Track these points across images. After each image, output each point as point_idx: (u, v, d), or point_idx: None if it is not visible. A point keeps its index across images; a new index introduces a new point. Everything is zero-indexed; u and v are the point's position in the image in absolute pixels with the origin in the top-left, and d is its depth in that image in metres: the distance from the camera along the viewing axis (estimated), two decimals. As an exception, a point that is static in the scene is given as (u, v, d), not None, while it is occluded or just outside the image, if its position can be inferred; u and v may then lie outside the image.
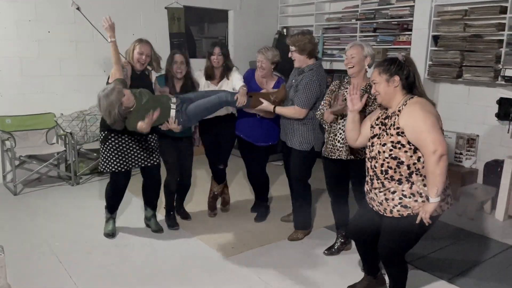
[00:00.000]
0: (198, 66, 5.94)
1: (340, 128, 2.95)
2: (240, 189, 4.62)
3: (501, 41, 4.21)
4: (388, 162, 2.22)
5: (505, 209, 4.02)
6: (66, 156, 4.92)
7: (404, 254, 2.39)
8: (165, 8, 5.62)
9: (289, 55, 3.31)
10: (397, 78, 2.21)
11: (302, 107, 3.21)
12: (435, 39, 4.72)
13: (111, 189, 3.42)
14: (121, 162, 3.24)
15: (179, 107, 3.08)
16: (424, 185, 2.17)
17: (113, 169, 3.25)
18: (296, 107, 3.23)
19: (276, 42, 6.39)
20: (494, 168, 4.35)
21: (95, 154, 4.95)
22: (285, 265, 3.11)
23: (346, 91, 2.91)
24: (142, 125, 2.86)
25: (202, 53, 7.88)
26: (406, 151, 2.17)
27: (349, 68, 2.90)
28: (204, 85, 3.60)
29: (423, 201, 2.17)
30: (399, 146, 2.18)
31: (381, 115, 2.34)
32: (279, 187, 4.75)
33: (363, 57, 2.87)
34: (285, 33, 6.58)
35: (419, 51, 4.84)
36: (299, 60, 3.28)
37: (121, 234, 3.55)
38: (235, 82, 3.53)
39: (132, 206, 4.11)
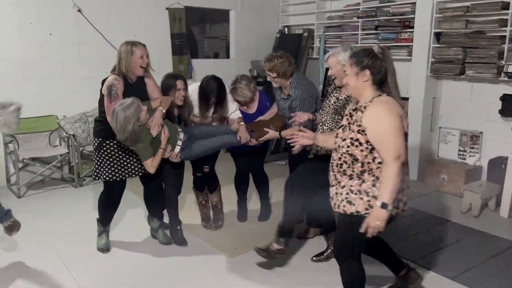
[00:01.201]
0: (200, 66, 6.01)
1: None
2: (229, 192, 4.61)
3: (503, 37, 4.18)
4: (345, 157, 2.15)
5: (510, 206, 3.99)
6: (69, 158, 4.93)
7: (352, 253, 2.26)
8: (166, 8, 5.63)
9: (268, 78, 3.28)
10: (367, 72, 2.09)
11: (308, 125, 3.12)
12: (437, 36, 4.70)
13: (105, 199, 3.24)
14: (116, 170, 3.08)
15: (184, 144, 3.05)
16: (373, 185, 2.08)
17: (107, 178, 3.08)
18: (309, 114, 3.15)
19: (278, 41, 6.39)
20: (498, 165, 4.33)
21: (98, 156, 4.96)
22: (289, 265, 3.11)
23: (331, 96, 2.93)
24: (148, 163, 2.88)
25: (204, 53, 7.90)
26: (362, 150, 2.08)
27: (333, 79, 2.90)
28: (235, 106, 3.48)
29: (368, 201, 2.09)
30: (357, 144, 2.09)
31: (352, 106, 2.24)
32: (280, 186, 4.73)
33: (340, 66, 2.72)
34: (286, 32, 6.58)
35: (421, 48, 4.82)
36: (280, 82, 3.27)
37: (124, 235, 3.55)
38: (230, 111, 3.48)
39: (135, 206, 4.11)
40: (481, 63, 4.33)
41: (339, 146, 2.18)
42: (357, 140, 2.09)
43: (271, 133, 3.18)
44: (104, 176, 3.09)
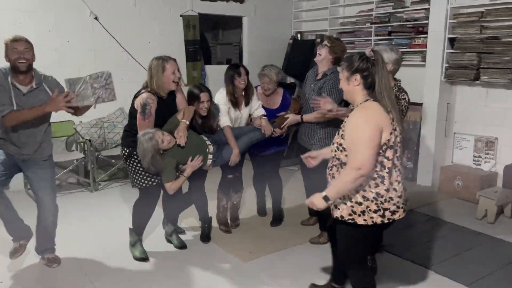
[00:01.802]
0: (213, 72, 6.06)
1: None
2: (254, 193, 4.63)
3: (519, 42, 4.16)
4: (334, 161, 2.18)
5: (526, 213, 3.95)
6: (85, 163, 5.01)
7: (355, 261, 2.27)
8: (181, 15, 5.70)
9: (317, 49, 3.33)
10: (358, 76, 2.07)
11: None
12: (451, 41, 4.69)
13: (143, 206, 3.23)
14: (150, 177, 3.12)
15: (215, 156, 3.19)
16: (357, 191, 2.08)
17: (145, 184, 3.12)
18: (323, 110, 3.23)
19: (290, 47, 6.42)
20: (514, 171, 4.29)
21: (113, 161, 5.03)
22: (302, 270, 3.11)
23: None
24: (168, 185, 3.04)
25: (217, 59, 7.97)
26: (346, 155, 2.09)
27: None
28: (224, 110, 3.47)
29: (351, 206, 2.10)
30: (341, 148, 2.11)
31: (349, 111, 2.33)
32: (294, 192, 4.75)
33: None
34: (299, 38, 6.60)
35: (435, 54, 4.81)
36: (324, 58, 3.27)
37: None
38: (254, 108, 3.56)
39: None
40: (496, 69, 4.30)
41: (331, 150, 2.23)
42: (340, 145, 2.11)
43: (292, 117, 3.33)
44: (141, 183, 3.14)
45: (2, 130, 2.86)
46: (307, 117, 3.33)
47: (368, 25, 5.63)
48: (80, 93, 2.72)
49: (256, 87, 3.69)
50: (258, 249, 3.43)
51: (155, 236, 3.64)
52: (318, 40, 6.43)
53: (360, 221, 2.10)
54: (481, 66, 4.42)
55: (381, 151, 2.04)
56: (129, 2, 5.27)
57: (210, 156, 3.19)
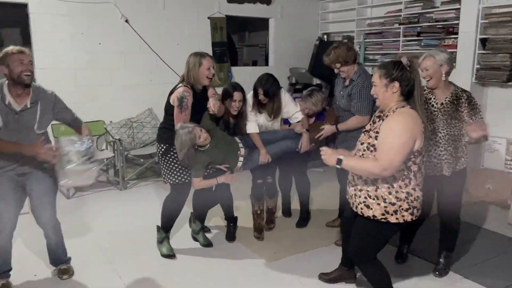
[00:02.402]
0: (239, 74, 6.12)
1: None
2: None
3: (554, 42, 4.03)
4: None
5: (561, 219, 3.82)
6: (115, 161, 5.14)
7: (369, 255, 2.38)
8: (208, 18, 5.78)
9: (335, 71, 3.31)
10: (397, 84, 2.17)
11: (363, 114, 3.22)
12: (483, 42, 4.58)
13: (173, 202, 3.30)
14: (184, 173, 3.20)
15: (246, 159, 3.26)
16: (389, 193, 2.20)
17: (177, 181, 3.20)
18: (357, 116, 3.24)
19: (317, 48, 6.40)
20: (548, 176, 4.15)
21: (141, 160, 5.15)
22: (326, 271, 3.10)
23: (427, 101, 2.88)
24: (196, 181, 3.13)
25: (243, 61, 8.03)
26: (375, 155, 2.17)
27: (427, 81, 2.86)
28: (251, 116, 3.47)
29: (385, 207, 2.22)
30: (372, 149, 2.20)
31: (377, 113, 2.34)
32: (320, 194, 4.74)
33: (438, 67, 2.80)
34: (325, 40, 6.59)
35: (466, 55, 4.70)
36: (347, 70, 3.26)
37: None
38: (291, 113, 3.56)
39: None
40: (530, 70, 4.18)
41: (358, 149, 2.31)
42: (373, 145, 2.19)
43: (327, 128, 3.35)
44: (174, 179, 3.21)
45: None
46: (342, 126, 3.33)
47: (396, 25, 5.56)
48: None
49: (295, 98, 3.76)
50: (283, 249, 3.44)
51: (181, 234, 3.71)
52: (317, 42, 6.41)
53: (392, 219, 2.22)
54: (514, 67, 4.31)
55: (412, 157, 2.16)
56: (158, 5, 5.39)
57: (241, 158, 3.25)
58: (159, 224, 3.40)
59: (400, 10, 5.53)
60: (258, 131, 3.44)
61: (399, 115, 2.13)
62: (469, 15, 4.62)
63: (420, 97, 2.20)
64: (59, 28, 4.85)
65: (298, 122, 3.55)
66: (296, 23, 6.55)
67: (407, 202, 2.21)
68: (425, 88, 2.90)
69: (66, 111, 2.88)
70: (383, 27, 5.78)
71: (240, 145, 3.28)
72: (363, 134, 2.32)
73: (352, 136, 3.29)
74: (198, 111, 3.15)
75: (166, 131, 3.19)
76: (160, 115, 3.80)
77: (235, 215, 3.64)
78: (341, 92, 3.38)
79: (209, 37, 5.83)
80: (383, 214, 2.23)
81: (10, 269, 2.88)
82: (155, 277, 3.05)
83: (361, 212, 2.30)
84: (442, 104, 2.86)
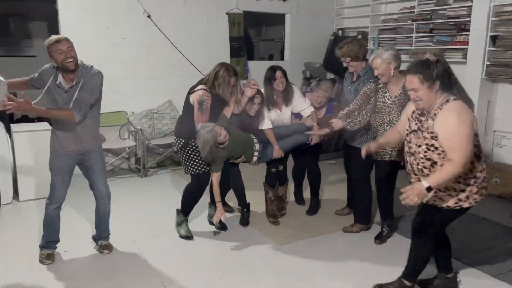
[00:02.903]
0: (255, 68, 6.32)
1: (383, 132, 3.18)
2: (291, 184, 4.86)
3: None
4: (423, 162, 2.34)
5: None
6: (136, 150, 5.42)
7: (430, 231, 2.50)
8: (226, 13, 5.99)
9: (344, 65, 3.48)
10: (438, 83, 2.23)
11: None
12: (493, 39, 4.68)
13: (193, 190, 3.53)
14: (204, 163, 3.40)
15: (260, 154, 3.52)
16: (459, 182, 2.31)
17: (198, 171, 3.42)
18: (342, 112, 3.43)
19: (331, 43, 6.55)
20: (554, 170, 4.26)
21: (161, 149, 5.41)
22: (335, 254, 3.32)
23: (383, 95, 3.22)
24: (216, 175, 3.39)
25: (260, 55, 8.22)
26: (439, 154, 2.27)
27: (380, 78, 3.16)
28: (266, 114, 3.67)
29: (457, 195, 2.33)
30: (433, 149, 2.28)
31: (416, 109, 2.41)
32: (331, 184, 4.94)
33: (386, 65, 3.09)
34: (340, 35, 6.73)
35: (477, 52, 4.81)
36: (355, 66, 3.43)
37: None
38: (301, 108, 3.76)
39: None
40: (539, 67, 4.28)
41: (415, 151, 2.37)
42: (432, 145, 2.28)
43: (335, 122, 3.41)
44: (194, 170, 3.45)
45: (60, 131, 2.99)
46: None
47: (409, 22, 5.68)
48: None
49: (305, 93, 3.95)
50: (293, 234, 3.66)
51: (199, 219, 3.95)
52: (332, 37, 6.53)
53: (465, 205, 2.36)
54: (523, 65, 4.41)
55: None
56: (179, 1, 5.61)
57: (256, 153, 3.49)
58: (179, 208, 3.65)
59: (413, 7, 5.64)
60: (271, 127, 3.65)
61: (451, 111, 2.19)
62: (481, 13, 4.73)
63: (458, 85, 2.29)
64: (86, 22, 5.11)
65: (308, 116, 3.74)
66: (311, 18, 6.71)
67: (476, 186, 2.33)
68: (379, 83, 3.21)
69: (86, 92, 2.89)
70: (397, 23, 5.90)
71: (255, 140, 3.53)
72: (412, 135, 2.38)
73: (360, 131, 3.48)
74: (215, 111, 3.40)
75: (184, 126, 3.43)
76: (179, 106, 4.05)
77: (247, 202, 3.87)
78: (349, 87, 3.56)
79: (227, 32, 6.03)
80: (456, 203, 2.35)
81: (58, 241, 3.24)
82: (173, 256, 3.31)
83: (434, 204, 2.41)
84: (395, 96, 3.16)
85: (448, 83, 2.25)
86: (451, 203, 2.35)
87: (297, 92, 3.79)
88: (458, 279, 2.85)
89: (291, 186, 4.31)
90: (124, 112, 5.43)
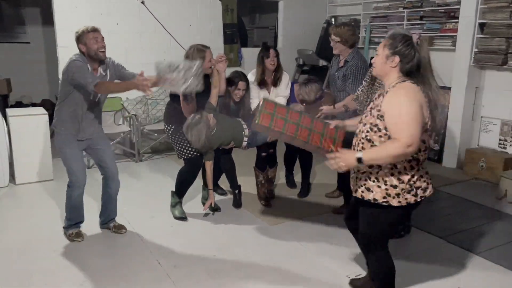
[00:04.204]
0: (249, 54, 6.38)
1: None
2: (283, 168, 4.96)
3: (548, 27, 4.22)
4: (363, 143, 2.13)
5: (546, 194, 4.07)
6: (131, 135, 5.49)
7: (379, 244, 2.25)
8: (220, 0, 6.02)
9: (331, 43, 3.57)
10: (397, 58, 2.04)
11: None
12: (481, 26, 4.78)
13: (187, 174, 3.60)
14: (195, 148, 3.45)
15: (250, 139, 3.56)
16: (392, 174, 2.08)
17: (190, 155, 3.50)
18: (352, 95, 3.45)
19: (324, 31, 6.62)
20: (537, 155, 4.39)
21: (155, 135, 5.49)
22: (325, 234, 3.43)
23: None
24: (209, 163, 3.45)
25: (253, 42, 8.26)
26: (380, 136, 2.06)
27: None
28: (256, 93, 3.80)
29: (386, 189, 2.09)
30: (375, 129, 2.07)
31: (379, 92, 2.22)
32: (322, 168, 5.04)
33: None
34: (333, 22, 6.79)
35: (466, 39, 4.91)
36: (340, 49, 3.52)
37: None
38: (281, 91, 3.83)
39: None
40: (524, 54, 4.39)
41: (359, 131, 2.18)
42: (376, 125, 2.07)
43: (326, 108, 3.48)
44: (187, 154, 3.52)
45: (73, 120, 3.06)
46: (339, 104, 3.51)
47: (400, 10, 5.76)
48: (172, 79, 2.86)
49: (293, 84, 4.00)
50: (284, 215, 3.77)
51: (194, 202, 4.05)
52: (325, 25, 6.60)
53: (394, 203, 2.09)
54: (509, 51, 4.52)
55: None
56: (172, -13, 5.64)
57: (246, 138, 3.56)
58: (173, 190, 3.75)
59: (404, -5, 5.72)
60: None
61: (400, 89, 2.02)
62: (470, 0, 4.81)
63: (431, 76, 2.07)
64: (80, 8, 5.14)
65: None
66: (304, 6, 6.76)
67: (409, 184, 2.08)
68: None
69: (124, 69, 3.22)
70: (388, 11, 5.97)
71: (244, 126, 3.59)
72: (364, 115, 2.19)
73: (350, 116, 3.55)
74: (202, 96, 3.39)
75: (172, 114, 3.50)
76: (174, 92, 4.10)
77: (238, 184, 3.97)
78: (336, 73, 3.63)
79: (220, 19, 6.08)
80: (384, 197, 2.10)
81: (83, 221, 3.38)
82: (168, 236, 3.41)
83: (362, 195, 2.17)
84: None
85: (411, 71, 2.06)
86: (378, 196, 2.10)
87: (285, 78, 3.87)
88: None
89: (282, 170, 4.42)
90: (118, 98, 5.48)
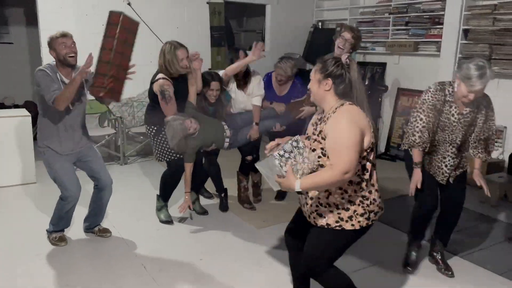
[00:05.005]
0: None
1: (450, 153, 3.00)
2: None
3: (530, 35, 4.32)
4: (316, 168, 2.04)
5: (528, 198, 4.15)
6: (116, 138, 5.42)
7: (325, 266, 2.16)
8: (207, 3, 6.01)
9: (339, 42, 3.57)
10: (330, 81, 2.03)
11: None
12: (465, 32, 4.86)
13: (170, 176, 3.56)
14: None
15: (231, 139, 3.53)
16: (342, 198, 2.05)
17: (172, 157, 3.45)
18: None
19: (311, 35, 6.67)
20: (519, 159, 4.48)
21: (141, 137, 5.44)
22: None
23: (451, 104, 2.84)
24: (188, 166, 3.38)
25: (241, 46, 8.26)
26: (329, 163, 1.98)
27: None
28: (234, 92, 3.76)
29: (338, 213, 2.06)
30: (327, 154, 2.00)
31: (318, 116, 2.18)
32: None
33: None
34: (320, 27, 6.84)
35: (450, 44, 4.99)
36: (347, 50, 3.56)
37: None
38: (254, 90, 3.71)
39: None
40: (507, 60, 4.48)
41: (316, 156, 2.07)
42: (325, 150, 2.01)
43: (307, 109, 3.47)
44: (169, 157, 3.48)
45: (57, 134, 2.99)
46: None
47: (386, 15, 5.83)
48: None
49: (270, 73, 3.94)
50: (271, 218, 3.77)
51: (179, 205, 4.00)
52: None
53: (347, 226, 2.06)
54: (492, 57, 4.60)
55: (365, 154, 2.02)
56: (159, -11, 5.61)
57: (227, 139, 3.53)
58: (158, 194, 3.71)
59: (390, 0, 5.79)
60: (260, 104, 3.69)
61: (339, 113, 1.99)
62: (454, 7, 4.90)
63: (361, 94, 2.05)
64: (64, 9, 5.07)
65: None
66: (292, 10, 6.79)
67: (362, 207, 2.05)
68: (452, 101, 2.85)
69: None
70: (374, 16, 6.04)
71: (225, 126, 3.56)
72: (306, 139, 2.12)
73: None
74: (181, 95, 3.38)
75: (152, 115, 3.45)
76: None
77: (225, 187, 3.95)
78: None
79: (207, 22, 6.06)
80: (337, 222, 2.06)
81: (68, 226, 3.34)
82: (153, 240, 3.37)
83: (314, 221, 2.12)
84: (462, 114, 2.85)
85: (345, 92, 2.04)
86: (331, 221, 2.06)
87: (255, 79, 3.74)
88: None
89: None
90: (104, 100, 5.42)
